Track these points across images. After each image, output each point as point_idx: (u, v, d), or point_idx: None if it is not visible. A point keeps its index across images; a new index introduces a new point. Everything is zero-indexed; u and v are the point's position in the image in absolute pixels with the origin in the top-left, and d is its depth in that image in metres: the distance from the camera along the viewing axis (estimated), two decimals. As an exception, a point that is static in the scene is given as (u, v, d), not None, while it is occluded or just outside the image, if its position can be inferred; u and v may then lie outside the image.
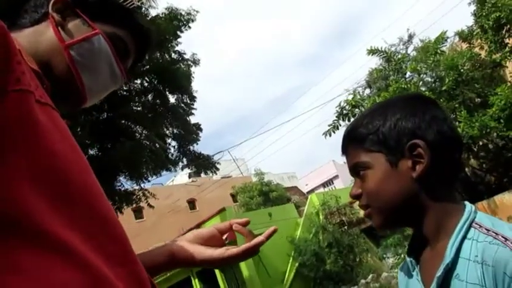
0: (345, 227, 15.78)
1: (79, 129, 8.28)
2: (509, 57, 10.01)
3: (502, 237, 0.72)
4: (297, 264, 15.72)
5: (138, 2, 8.48)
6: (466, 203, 0.83)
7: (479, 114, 9.58)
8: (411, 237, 0.91)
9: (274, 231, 0.97)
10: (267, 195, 26.95)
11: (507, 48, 10.03)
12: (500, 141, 10.62)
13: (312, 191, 31.20)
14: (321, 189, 29.72)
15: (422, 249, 0.86)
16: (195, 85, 14.53)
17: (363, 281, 13.58)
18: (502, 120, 9.34)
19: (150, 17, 9.72)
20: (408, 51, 11.63)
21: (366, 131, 0.86)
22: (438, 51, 10.48)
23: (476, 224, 0.77)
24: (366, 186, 0.86)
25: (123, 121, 10.14)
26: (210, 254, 0.95)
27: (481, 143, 10.88)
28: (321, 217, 16.77)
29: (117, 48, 0.86)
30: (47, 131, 0.60)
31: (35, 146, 0.58)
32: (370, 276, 13.54)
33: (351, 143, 0.90)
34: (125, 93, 10.17)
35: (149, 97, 11.16)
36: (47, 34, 0.81)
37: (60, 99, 0.75)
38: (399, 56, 11.16)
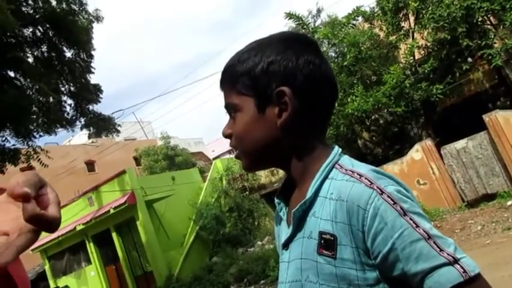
0: (247, 193, 16.29)
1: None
2: (403, 40, 10.88)
3: (358, 174, 0.74)
4: (197, 227, 15.94)
5: None
6: (335, 146, 0.85)
7: (373, 90, 10.36)
8: (283, 180, 0.92)
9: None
10: (173, 159, 26.59)
11: (402, 31, 10.89)
12: (389, 116, 11.68)
13: (218, 157, 31.49)
14: (227, 156, 30.14)
15: (292, 192, 0.87)
16: (98, 44, 13.50)
17: (259, 242, 14.29)
18: (392, 98, 10.22)
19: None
20: (316, 25, 12.01)
21: (240, 70, 0.83)
22: (351, 24, 10.95)
23: (338, 165, 0.80)
24: (235, 128, 0.85)
25: (9, 71, 9.04)
26: None
27: (373, 118, 11.84)
28: (224, 182, 17.07)
29: None
30: None
31: None
32: (266, 238, 14.28)
33: (226, 82, 0.87)
34: (12, 40, 9.03)
35: (43, 48, 10.09)
36: None
37: None
38: (313, 25, 11.45)
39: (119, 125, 12.41)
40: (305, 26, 11.28)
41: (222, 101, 0.88)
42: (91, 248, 17.08)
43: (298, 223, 0.80)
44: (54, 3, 9.82)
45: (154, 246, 14.88)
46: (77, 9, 10.31)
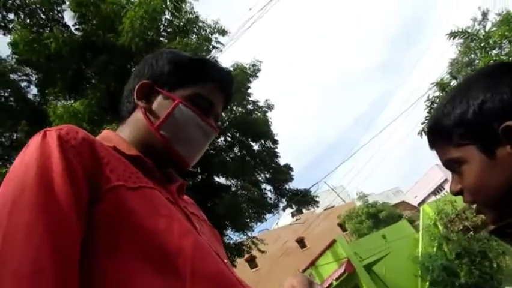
0: (471, 233, 14.36)
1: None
2: None
3: None
4: (427, 283, 14.53)
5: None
6: None
7: None
8: None
9: None
10: (376, 216, 25.83)
11: None
12: None
13: (422, 202, 29.20)
14: (433, 198, 27.71)
15: None
16: (276, 128, 14.90)
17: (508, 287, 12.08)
18: None
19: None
20: (487, 30, 10.73)
21: (449, 123, 0.77)
22: None
23: None
24: (465, 182, 0.78)
25: (217, 178, 10.61)
26: None
27: None
28: (440, 227, 15.52)
29: (201, 105, 0.94)
30: (143, 213, 0.72)
31: (136, 230, 0.70)
32: (516, 281, 12.00)
33: (437, 139, 0.82)
34: (212, 151, 10.71)
35: (235, 150, 11.62)
36: (141, 120, 0.93)
37: (168, 165, 0.94)
38: (483, 32, 10.28)
39: (316, 196, 12.88)
40: (475, 37, 10.18)
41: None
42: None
43: None
44: (234, 108, 11.44)
45: (387, 312, 14.07)
46: (251, 107, 11.75)
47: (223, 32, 9.62)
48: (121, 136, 0.91)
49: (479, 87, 0.76)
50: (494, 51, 10.08)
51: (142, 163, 0.83)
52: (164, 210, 0.76)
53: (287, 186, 12.18)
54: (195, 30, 9.38)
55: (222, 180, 10.69)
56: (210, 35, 9.50)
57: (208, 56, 9.17)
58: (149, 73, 0.96)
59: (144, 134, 0.91)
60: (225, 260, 0.83)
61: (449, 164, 0.80)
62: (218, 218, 9.31)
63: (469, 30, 10.36)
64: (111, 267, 0.66)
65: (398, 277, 15.19)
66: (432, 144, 0.84)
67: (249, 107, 11.73)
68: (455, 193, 0.81)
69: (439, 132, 0.81)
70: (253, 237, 11.15)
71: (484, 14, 10.87)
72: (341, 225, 29.63)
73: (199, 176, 10.34)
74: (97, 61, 8.09)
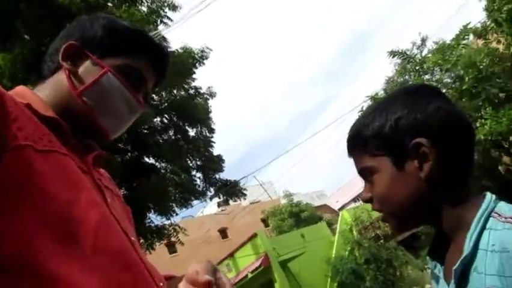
0: (381, 241, 15.35)
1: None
2: (528, 48, 9.75)
3: None
4: (335, 284, 15.32)
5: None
6: (487, 193, 0.78)
7: (505, 109, 9.29)
8: (433, 236, 0.86)
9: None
10: (298, 216, 26.63)
11: (526, 39, 9.79)
12: (531, 134, 10.25)
13: (343, 207, 30.66)
14: (353, 205, 29.18)
15: (445, 247, 0.81)
16: (215, 116, 14.82)
17: (407, 295, 13.09)
18: (530, 113, 9.02)
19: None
20: (423, 55, 11.48)
21: (367, 133, 0.82)
22: (461, 45, 10.28)
23: (495, 213, 0.73)
24: (375, 191, 0.83)
25: (147, 159, 10.33)
26: None
27: (511, 139, 10.50)
28: (355, 233, 16.42)
29: (131, 78, 0.89)
30: (49, 178, 0.66)
31: (38, 194, 0.64)
32: (414, 290, 13.04)
33: (355, 148, 0.87)
34: (146, 131, 10.40)
35: (170, 133, 11.39)
36: (63, 82, 0.86)
37: (87, 135, 0.87)
38: (420, 56, 11.00)
39: (245, 189, 13.02)
40: (411, 59, 10.86)
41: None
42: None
43: (460, 280, 0.74)
44: (175, 91, 11.19)
45: (295, 308, 14.62)
46: (193, 93, 11.57)
47: (173, 7, 9.31)
48: (38, 95, 0.84)
49: (398, 103, 0.81)
50: (427, 76, 10.84)
51: (58, 126, 0.77)
52: (74, 178, 0.71)
53: (217, 176, 12.19)
54: (144, 0, 8.98)
55: (152, 161, 10.42)
56: (159, 9, 9.14)
57: (155, 32, 8.84)
58: (80, 34, 0.89)
59: (64, 97, 0.84)
60: (133, 239, 0.80)
61: (363, 172, 0.85)
62: (142, 199, 9.08)
63: (408, 53, 11.02)
64: (11, 229, 0.62)
65: (310, 276, 15.84)
66: (351, 151, 0.88)
67: (192, 92, 11.54)
68: (366, 200, 0.86)
69: (357, 141, 0.85)
70: (176, 224, 11.00)
71: (423, 40, 11.60)
72: (264, 221, 30.23)
73: (129, 154, 10.00)
74: (30, 15, 7.45)
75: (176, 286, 0.81)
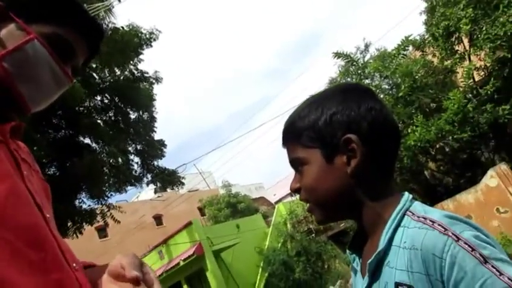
0: (313, 235, 15.89)
1: (35, 148, 7.93)
2: (459, 63, 10.50)
3: (430, 221, 0.72)
4: (266, 274, 15.67)
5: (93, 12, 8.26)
6: (405, 193, 0.83)
7: (434, 118, 9.96)
8: (355, 231, 0.91)
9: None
10: (235, 207, 26.81)
11: (457, 55, 10.54)
12: (455, 143, 11.09)
13: (280, 200, 31.29)
14: (289, 199, 29.87)
15: (364, 241, 0.86)
16: (158, 102, 14.41)
17: (331, 287, 13.70)
18: (455, 124, 9.75)
19: (110, 28, 9.53)
20: (365, 60, 11.99)
21: (302, 125, 0.85)
22: (401, 54, 10.85)
23: (409, 212, 0.78)
24: (304, 181, 0.85)
25: (83, 138, 9.85)
26: None
27: (437, 146, 11.29)
28: (288, 226, 16.84)
29: (60, 49, 0.83)
30: None
31: None
32: (338, 282, 13.67)
33: (289, 138, 0.89)
34: (84, 109, 9.90)
35: (110, 114, 10.94)
36: None
37: (5, 104, 0.78)
38: (362, 61, 11.48)
39: (183, 178, 12.86)
40: (354, 63, 11.30)
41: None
42: (163, 301, 17.27)
43: (373, 274, 0.79)
44: (118, 72, 10.72)
45: (225, 296, 14.77)
46: (137, 75, 11.15)
47: None
48: None
49: (334, 100, 0.85)
50: (367, 81, 11.34)
51: None
52: None
53: (155, 163, 11.92)
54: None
55: (88, 141, 9.94)
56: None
57: (101, 3, 8.42)
58: None
59: None
60: (48, 215, 0.76)
61: (294, 162, 0.88)
62: (74, 179, 8.65)
63: (352, 56, 11.45)
64: None
65: (242, 266, 16.06)
66: (285, 142, 0.91)
67: (137, 74, 11.11)
68: (294, 190, 0.89)
69: (292, 132, 0.88)
70: (110, 203, 10.56)
71: (366, 46, 12.10)
72: (201, 209, 30.10)
73: (63, 131, 9.47)
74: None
75: (97, 276, 0.77)
